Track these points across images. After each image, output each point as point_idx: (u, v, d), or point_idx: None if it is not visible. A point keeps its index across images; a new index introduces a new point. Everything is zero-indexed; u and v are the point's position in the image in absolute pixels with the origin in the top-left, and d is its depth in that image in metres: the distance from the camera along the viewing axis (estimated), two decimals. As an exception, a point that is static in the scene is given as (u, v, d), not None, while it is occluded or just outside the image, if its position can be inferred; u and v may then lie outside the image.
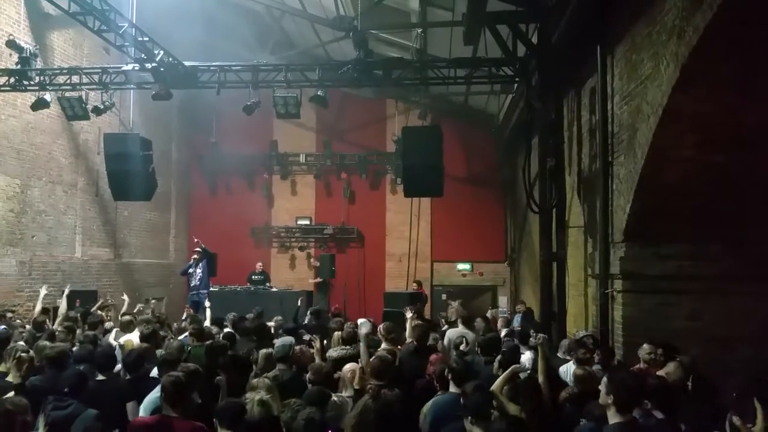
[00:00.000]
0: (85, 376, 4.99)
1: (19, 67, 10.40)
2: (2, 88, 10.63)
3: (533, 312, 12.04)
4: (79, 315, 8.73)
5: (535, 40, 9.03)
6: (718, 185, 6.21)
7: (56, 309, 9.49)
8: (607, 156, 7.53)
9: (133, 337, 7.31)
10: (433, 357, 6.19)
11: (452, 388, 4.86)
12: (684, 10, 5.24)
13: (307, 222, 17.70)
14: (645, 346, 5.79)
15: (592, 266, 8.17)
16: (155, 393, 4.76)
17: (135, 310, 10.15)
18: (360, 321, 8.23)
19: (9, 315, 9.28)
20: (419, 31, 11.66)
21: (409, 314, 7.93)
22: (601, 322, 7.47)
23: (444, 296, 14.74)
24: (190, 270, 13.00)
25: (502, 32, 8.91)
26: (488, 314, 11.31)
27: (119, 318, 8.75)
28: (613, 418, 3.67)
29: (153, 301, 12.35)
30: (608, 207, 7.49)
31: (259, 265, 15.29)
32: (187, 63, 10.47)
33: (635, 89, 6.69)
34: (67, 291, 9.40)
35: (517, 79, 9.98)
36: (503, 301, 16.59)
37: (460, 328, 8.00)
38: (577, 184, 9.27)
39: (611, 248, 7.39)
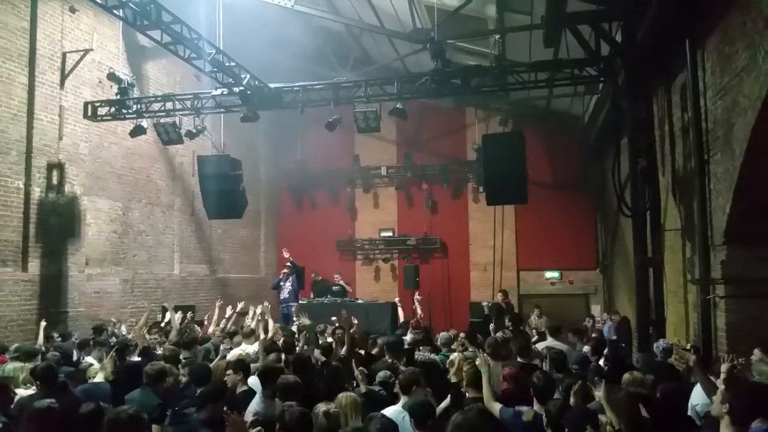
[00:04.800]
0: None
1: (118, 97, 11.17)
2: (104, 118, 11.44)
3: (629, 321, 11.55)
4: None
5: (618, 38, 8.75)
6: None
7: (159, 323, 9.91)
8: (703, 154, 7.12)
9: (251, 348, 7.45)
10: (505, 371, 5.66)
11: (535, 406, 4.67)
12: (783, -5, 4.94)
13: (390, 234, 17.82)
14: (756, 351, 5.47)
15: (691, 271, 7.72)
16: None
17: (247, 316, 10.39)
18: (442, 334, 8.23)
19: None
20: (497, 37, 11.52)
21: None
22: (702, 330, 7.06)
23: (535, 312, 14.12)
24: (281, 284, 13.37)
25: (583, 32, 8.68)
26: (585, 324, 10.98)
27: (223, 327, 9.10)
28: (725, 429, 3.43)
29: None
30: (706, 208, 7.08)
31: (336, 277, 15.54)
32: (271, 85, 10.85)
33: (730, 83, 6.30)
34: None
35: (601, 79, 9.69)
36: (596, 309, 16.00)
37: (549, 341, 7.79)
38: (671, 184, 8.83)
39: (711, 251, 6.97)
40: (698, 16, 7.15)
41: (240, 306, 10.59)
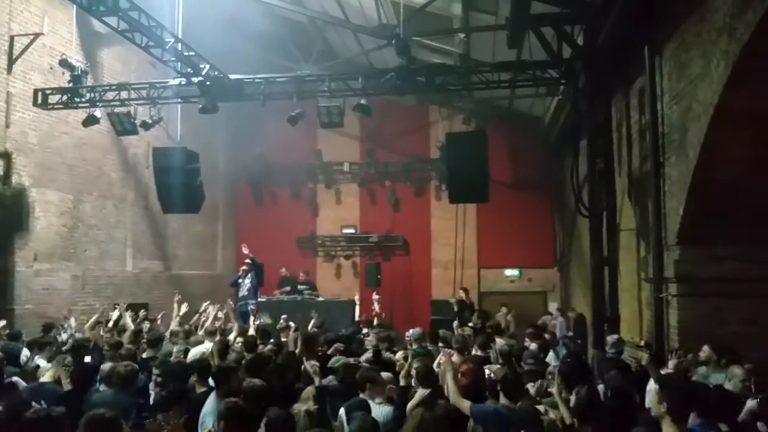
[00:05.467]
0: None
1: (71, 84, 10.77)
2: (55, 106, 11.01)
3: (585, 318, 11.76)
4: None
5: (580, 41, 8.86)
6: (773, 184, 5.98)
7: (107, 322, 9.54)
8: (658, 157, 7.33)
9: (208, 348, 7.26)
10: (463, 367, 5.35)
11: (502, 400, 4.70)
12: (734, 7, 5.10)
13: (352, 230, 17.73)
14: (705, 348, 5.69)
15: (645, 270, 7.96)
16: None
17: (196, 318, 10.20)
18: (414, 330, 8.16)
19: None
20: (462, 36, 11.55)
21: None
22: (655, 328, 7.28)
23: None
24: (239, 281, 13.15)
25: (546, 34, 8.77)
26: (540, 322, 11.14)
27: (177, 326, 8.90)
28: (667, 428, 3.49)
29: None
30: (660, 209, 7.29)
31: (302, 276, 15.41)
32: (232, 76, 10.64)
33: (685, 89, 6.51)
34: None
35: (563, 81, 9.81)
36: (554, 307, 16.24)
37: (498, 340, 7.85)
38: (627, 186, 9.03)
39: (665, 251, 7.19)
40: (657, 23, 7.34)
41: (204, 306, 10.38)
